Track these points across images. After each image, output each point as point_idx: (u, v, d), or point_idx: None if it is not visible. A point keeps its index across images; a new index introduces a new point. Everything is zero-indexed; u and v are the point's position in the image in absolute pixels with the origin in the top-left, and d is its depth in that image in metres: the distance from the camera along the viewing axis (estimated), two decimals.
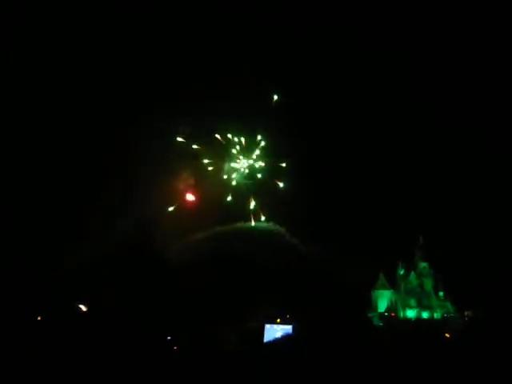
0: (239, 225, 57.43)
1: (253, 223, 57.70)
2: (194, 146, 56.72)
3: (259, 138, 57.82)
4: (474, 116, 51.51)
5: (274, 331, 42.54)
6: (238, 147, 58.29)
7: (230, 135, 57.09)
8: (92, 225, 49.67)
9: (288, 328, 43.38)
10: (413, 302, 58.49)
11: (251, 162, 58.42)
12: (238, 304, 46.53)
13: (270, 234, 57.23)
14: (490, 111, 51.44)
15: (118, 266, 48.53)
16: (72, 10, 46.99)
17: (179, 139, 55.27)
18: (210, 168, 57.76)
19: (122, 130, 48.29)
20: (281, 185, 57.39)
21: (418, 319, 56.50)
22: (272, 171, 57.99)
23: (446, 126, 53.45)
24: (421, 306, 58.17)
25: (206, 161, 57.81)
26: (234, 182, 58.39)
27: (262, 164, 58.52)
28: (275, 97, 55.20)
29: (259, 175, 58.63)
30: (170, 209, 55.18)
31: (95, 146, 49.86)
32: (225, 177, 58.57)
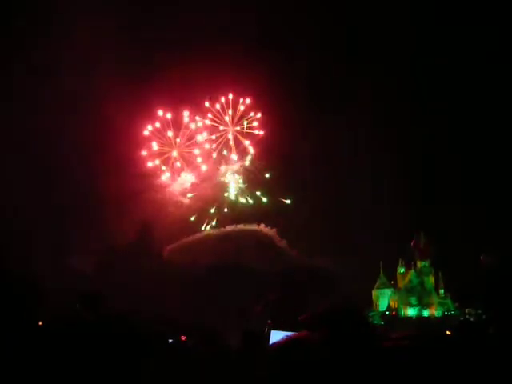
0: (230, 227, 57.60)
1: (243, 226, 57.82)
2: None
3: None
4: (473, 112, 51.73)
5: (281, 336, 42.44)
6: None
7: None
8: (92, 224, 49.75)
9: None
10: (413, 300, 58.48)
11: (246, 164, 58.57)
12: (233, 305, 46.63)
13: (260, 236, 57.38)
14: (488, 107, 51.62)
15: (119, 266, 48.72)
16: None
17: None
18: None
19: None
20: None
21: (419, 317, 56.59)
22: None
23: (441, 119, 53.56)
24: (421, 304, 58.18)
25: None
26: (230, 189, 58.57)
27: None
28: None
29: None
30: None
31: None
32: (221, 179, 58.76)
